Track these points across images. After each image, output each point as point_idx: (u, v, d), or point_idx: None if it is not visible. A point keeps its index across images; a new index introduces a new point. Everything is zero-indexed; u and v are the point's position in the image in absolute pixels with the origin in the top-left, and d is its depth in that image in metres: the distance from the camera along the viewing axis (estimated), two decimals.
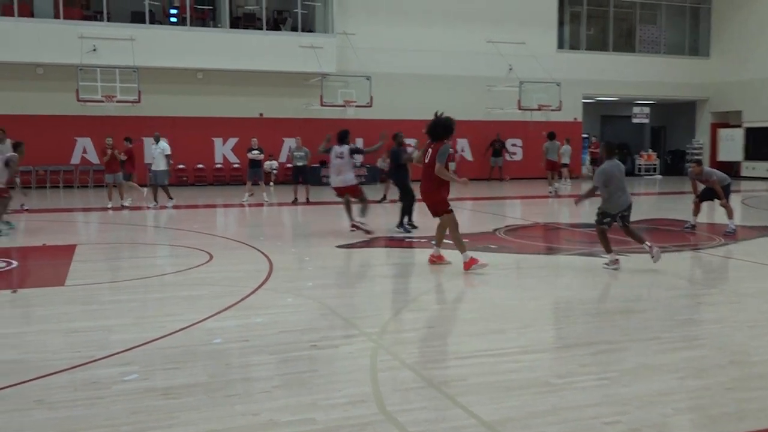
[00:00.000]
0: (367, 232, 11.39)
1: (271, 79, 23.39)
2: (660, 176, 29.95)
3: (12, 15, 20.67)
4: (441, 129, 8.39)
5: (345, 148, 11.60)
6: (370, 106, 22.63)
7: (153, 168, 15.77)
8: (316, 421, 3.95)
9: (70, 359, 5.00)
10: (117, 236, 12.06)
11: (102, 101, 20.33)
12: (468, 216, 15.56)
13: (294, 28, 23.78)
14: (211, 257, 9.32)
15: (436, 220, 8.74)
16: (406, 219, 11.86)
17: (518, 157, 27.10)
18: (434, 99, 25.17)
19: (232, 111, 23.15)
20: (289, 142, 22.46)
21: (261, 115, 23.51)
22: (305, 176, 17.62)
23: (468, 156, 26.43)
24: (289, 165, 20.90)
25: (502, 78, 25.42)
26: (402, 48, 24.52)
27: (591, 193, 8.70)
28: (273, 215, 15.37)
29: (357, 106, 22.65)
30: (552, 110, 25.06)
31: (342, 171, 11.58)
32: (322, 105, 22.51)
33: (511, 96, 24.99)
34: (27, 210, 15.07)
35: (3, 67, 20.92)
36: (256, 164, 17.48)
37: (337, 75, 23.13)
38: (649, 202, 19.02)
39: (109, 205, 15.92)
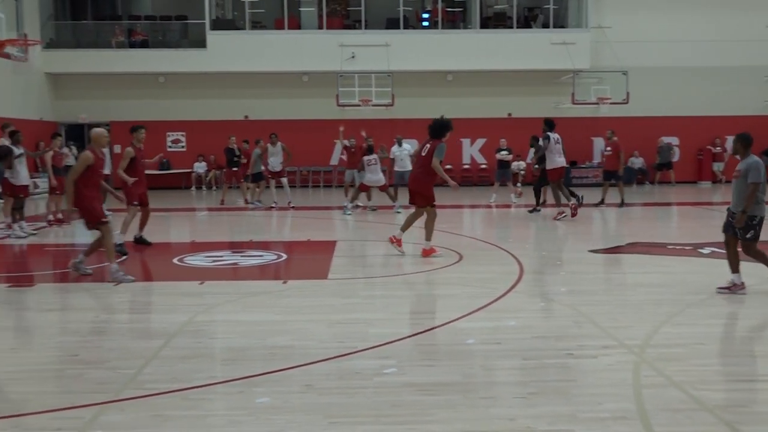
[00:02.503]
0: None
1: (520, 78, 23.14)
2: None
3: (282, 28, 22.70)
4: (439, 128, 9.32)
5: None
6: (626, 103, 21.42)
7: (398, 169, 16.24)
8: None
9: (334, 348, 5.29)
10: (369, 234, 12.65)
11: (359, 105, 21.51)
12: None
13: (545, 25, 23.30)
14: (461, 257, 9.40)
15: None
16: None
17: None
18: (699, 93, 23.44)
19: (480, 111, 23.25)
20: None
21: (509, 115, 23.38)
22: None
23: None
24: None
25: None
26: (663, 39, 22.89)
27: (751, 198, 6.86)
28: (520, 217, 15.17)
29: (611, 104, 21.57)
30: None
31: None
32: (573, 103, 21.77)
33: None
34: (293, 207, 16.42)
35: (274, 76, 23.02)
36: (504, 165, 17.38)
37: (591, 71, 22.21)
38: None
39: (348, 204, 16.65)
